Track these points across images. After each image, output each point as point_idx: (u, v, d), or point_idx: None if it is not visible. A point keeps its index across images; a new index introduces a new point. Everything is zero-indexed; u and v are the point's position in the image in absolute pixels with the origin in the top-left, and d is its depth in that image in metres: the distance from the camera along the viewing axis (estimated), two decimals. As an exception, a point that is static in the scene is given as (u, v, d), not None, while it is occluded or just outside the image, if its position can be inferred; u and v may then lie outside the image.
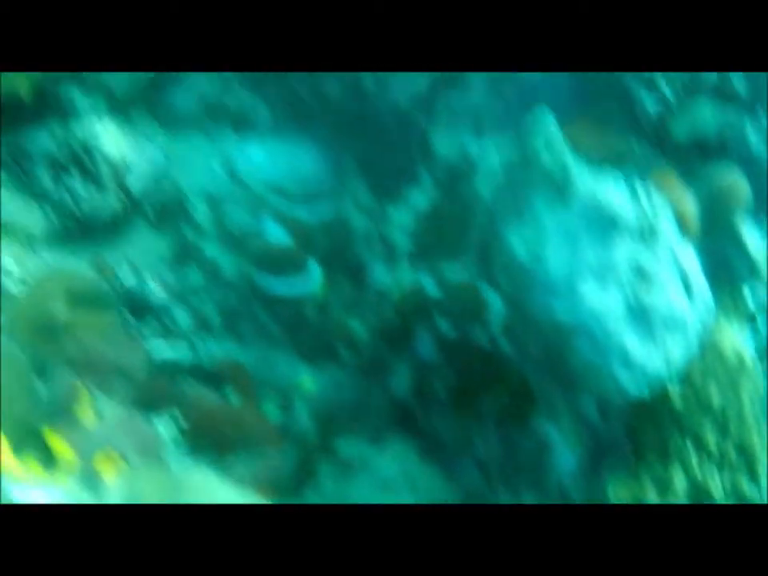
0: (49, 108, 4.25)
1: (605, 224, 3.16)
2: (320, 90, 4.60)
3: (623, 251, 3.17)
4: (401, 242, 4.32)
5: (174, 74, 4.58)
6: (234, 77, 4.66)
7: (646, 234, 3.16)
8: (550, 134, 3.24)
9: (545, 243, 3.14)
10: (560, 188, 3.16)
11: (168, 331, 4.06)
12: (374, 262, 4.27)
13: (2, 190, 4.19)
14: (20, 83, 4.05)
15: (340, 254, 4.25)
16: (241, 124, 4.66)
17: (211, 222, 4.36)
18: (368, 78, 4.49)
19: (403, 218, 4.39)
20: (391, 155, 4.51)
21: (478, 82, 4.46)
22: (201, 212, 4.39)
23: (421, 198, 4.45)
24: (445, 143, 4.51)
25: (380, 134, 4.52)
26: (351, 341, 4.08)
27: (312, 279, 4.06)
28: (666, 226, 3.23)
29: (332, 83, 4.58)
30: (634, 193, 3.23)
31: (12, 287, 3.99)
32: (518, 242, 3.18)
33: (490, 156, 3.54)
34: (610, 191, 3.20)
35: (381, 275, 4.25)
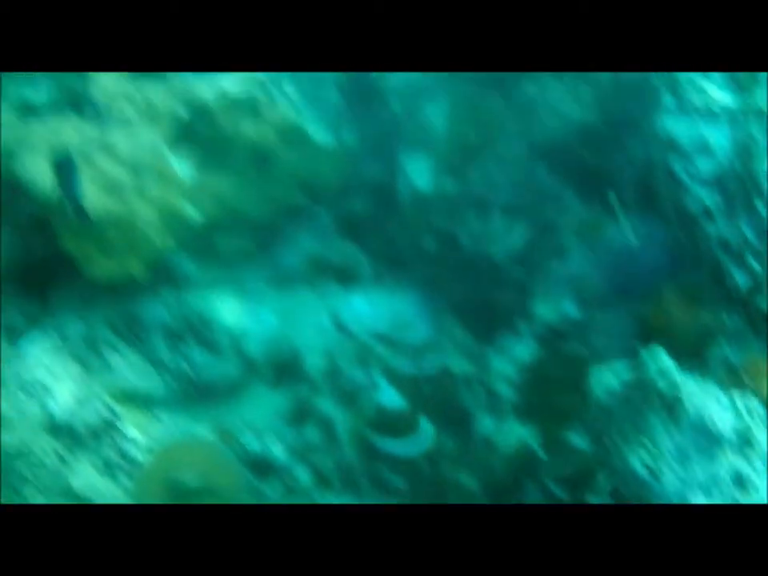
0: (161, 279, 4.49)
1: (710, 440, 3.36)
2: (417, 243, 4.78)
3: (725, 464, 3.39)
4: (505, 392, 4.46)
5: (278, 232, 4.80)
6: (336, 231, 4.86)
7: (744, 445, 3.41)
8: (664, 365, 3.47)
9: (661, 461, 3.34)
10: (672, 409, 3.38)
11: (290, 490, 4.26)
12: (479, 412, 4.41)
13: (121, 359, 4.41)
14: (132, 265, 4.27)
15: (446, 404, 4.41)
16: (345, 277, 4.85)
17: (325, 378, 4.55)
18: (464, 233, 4.65)
19: (505, 367, 4.53)
20: (488, 305, 4.67)
21: (576, 251, 4.60)
22: (314, 368, 4.58)
23: (522, 350, 4.60)
24: (544, 304, 4.65)
25: (476, 284, 4.68)
26: (462, 492, 4.23)
27: (425, 438, 4.23)
28: (759, 426, 3.44)
29: (429, 238, 4.76)
30: (733, 404, 3.43)
31: (138, 456, 4.22)
32: (635, 459, 3.40)
33: (604, 374, 3.70)
34: (714, 408, 3.39)
35: (487, 425, 4.39)
